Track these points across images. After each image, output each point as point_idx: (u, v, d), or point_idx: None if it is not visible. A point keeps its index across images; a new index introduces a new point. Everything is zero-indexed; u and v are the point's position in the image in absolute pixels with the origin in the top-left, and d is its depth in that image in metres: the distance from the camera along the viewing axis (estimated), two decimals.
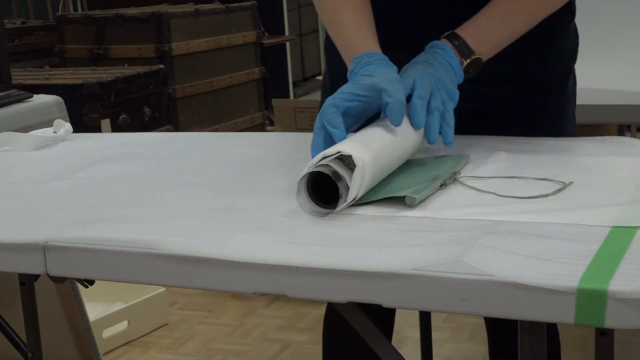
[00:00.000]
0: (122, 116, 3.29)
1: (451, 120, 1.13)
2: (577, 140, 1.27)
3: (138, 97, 3.40)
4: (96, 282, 1.04)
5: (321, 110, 1.09)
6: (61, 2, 5.81)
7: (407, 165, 1.12)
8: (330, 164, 0.97)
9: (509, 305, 0.78)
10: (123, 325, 2.64)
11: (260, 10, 4.58)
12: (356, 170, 0.97)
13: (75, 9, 5.90)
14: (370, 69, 1.13)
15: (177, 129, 3.84)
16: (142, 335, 2.69)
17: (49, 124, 1.55)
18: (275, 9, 6.07)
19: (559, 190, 1.01)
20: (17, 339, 1.85)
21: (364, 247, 0.88)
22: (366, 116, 1.13)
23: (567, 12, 1.33)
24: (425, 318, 1.66)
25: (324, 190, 0.98)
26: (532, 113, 1.34)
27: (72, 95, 3.09)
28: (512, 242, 0.86)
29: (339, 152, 0.98)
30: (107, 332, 2.59)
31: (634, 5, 2.33)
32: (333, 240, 0.90)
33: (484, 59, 1.19)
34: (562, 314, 0.76)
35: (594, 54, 2.21)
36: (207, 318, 2.81)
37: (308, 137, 1.36)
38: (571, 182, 1.03)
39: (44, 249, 0.96)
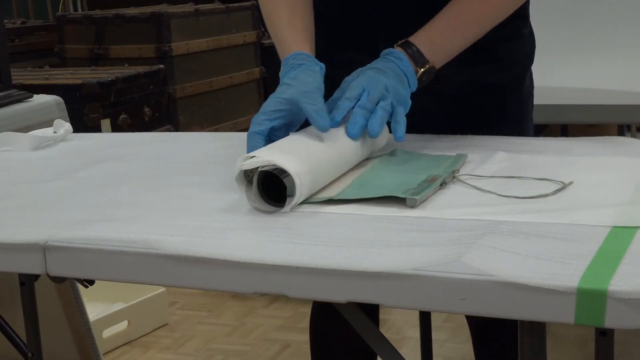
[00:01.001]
0: (122, 116, 3.29)
1: (402, 119, 1.13)
2: (577, 140, 1.27)
3: (138, 97, 3.40)
4: (96, 282, 1.04)
5: (247, 136, 1.12)
6: (61, 2, 5.81)
7: (405, 164, 1.12)
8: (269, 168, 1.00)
9: (509, 305, 0.78)
10: (123, 325, 2.64)
11: (260, 10, 4.58)
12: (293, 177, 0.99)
13: (75, 9, 5.90)
14: (292, 75, 1.15)
15: (177, 129, 3.84)
16: (142, 335, 2.69)
17: (49, 124, 1.55)
18: None
19: (558, 190, 1.01)
20: (17, 339, 1.85)
21: (364, 247, 0.88)
22: (296, 126, 1.16)
23: (519, 17, 1.36)
24: (425, 318, 1.66)
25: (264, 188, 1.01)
26: (490, 114, 1.37)
27: (72, 95, 3.09)
28: (512, 242, 0.86)
29: (272, 165, 0.99)
30: (107, 332, 2.59)
31: (634, 5, 2.32)
32: (333, 240, 0.90)
33: (437, 67, 1.21)
34: (562, 314, 0.76)
35: (594, 54, 2.21)
36: (207, 318, 2.81)
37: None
38: (571, 182, 1.03)
39: (44, 249, 0.96)
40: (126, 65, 3.79)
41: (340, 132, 1.12)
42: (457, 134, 1.32)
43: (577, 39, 2.29)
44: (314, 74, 1.15)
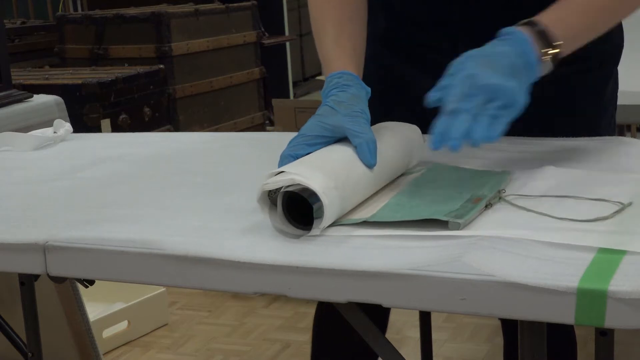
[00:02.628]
0: (122, 116, 3.29)
1: (503, 126, 0.97)
2: (577, 140, 1.27)
3: (138, 97, 3.40)
4: (96, 282, 1.04)
5: (280, 157, 1.03)
6: (61, 2, 5.81)
7: (445, 181, 1.04)
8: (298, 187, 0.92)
9: (509, 305, 0.78)
10: (123, 325, 2.64)
11: (260, 10, 4.58)
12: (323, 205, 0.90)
13: (75, 9, 5.90)
14: (337, 98, 1.07)
15: (177, 129, 3.84)
16: (142, 335, 2.69)
17: (49, 124, 1.55)
18: (275, 9, 6.07)
19: (617, 212, 0.92)
20: (17, 339, 1.85)
21: (364, 247, 0.88)
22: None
23: None
24: (425, 318, 1.66)
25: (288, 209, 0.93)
26: (571, 116, 1.29)
27: (72, 95, 3.09)
28: (512, 242, 0.86)
29: (301, 186, 0.91)
30: (107, 332, 2.59)
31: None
32: (333, 240, 0.90)
33: (564, 54, 1.05)
34: (562, 314, 0.76)
35: None
36: (207, 318, 2.81)
37: None
38: (630, 203, 0.94)
39: (44, 249, 0.96)
40: (126, 65, 3.79)
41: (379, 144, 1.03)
42: (531, 132, 1.23)
43: None
44: (361, 99, 1.08)
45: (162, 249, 0.91)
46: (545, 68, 1.04)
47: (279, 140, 1.35)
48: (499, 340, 2.49)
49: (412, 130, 1.13)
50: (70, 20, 4.22)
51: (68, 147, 1.46)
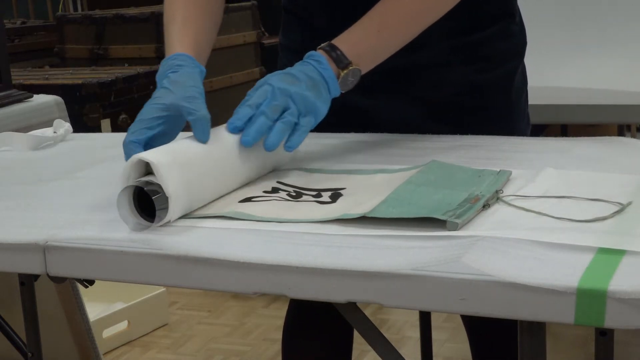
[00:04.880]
0: (122, 116, 3.29)
1: (302, 130, 1.09)
2: (577, 140, 1.27)
3: (138, 97, 3.40)
4: (96, 282, 1.04)
5: (123, 144, 1.06)
6: (61, 2, 5.81)
7: (444, 179, 1.05)
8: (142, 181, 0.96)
9: (509, 305, 0.78)
10: (123, 325, 2.65)
11: (260, 10, 4.58)
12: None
13: (75, 9, 5.90)
14: (171, 78, 1.10)
15: None
16: (142, 335, 2.69)
17: (49, 124, 1.55)
18: (275, 9, 6.07)
19: (617, 213, 0.92)
20: (17, 339, 1.85)
21: (364, 247, 0.88)
22: (177, 134, 1.11)
23: (505, 15, 1.36)
24: (425, 318, 1.66)
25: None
26: (478, 114, 1.36)
27: (72, 95, 3.09)
28: (512, 242, 0.86)
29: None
30: (107, 332, 2.59)
31: (634, 4, 2.33)
32: (333, 240, 0.90)
33: (363, 70, 1.16)
34: (562, 314, 0.76)
35: (594, 54, 2.21)
36: (207, 318, 2.81)
37: (308, 137, 1.36)
38: (630, 203, 0.94)
39: (44, 249, 0.96)
40: (126, 65, 3.78)
41: (233, 138, 1.07)
42: (438, 134, 1.31)
43: (577, 38, 2.29)
44: (194, 77, 1.11)
45: (162, 249, 0.91)
46: (347, 84, 1.15)
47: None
48: None
49: None
50: (70, 20, 4.22)
51: (68, 147, 1.46)
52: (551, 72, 2.17)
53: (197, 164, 1.02)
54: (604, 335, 0.94)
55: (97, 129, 3.15)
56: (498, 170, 1.07)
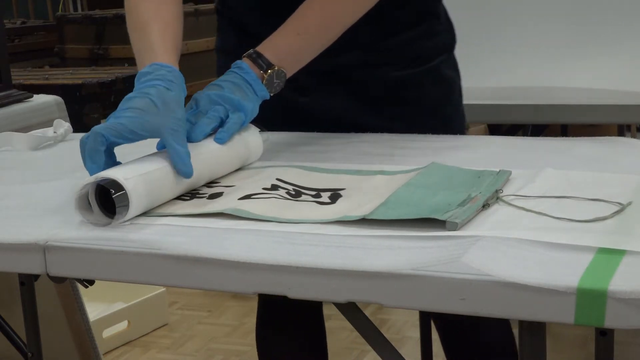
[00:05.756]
0: None
1: (232, 125, 1.13)
2: (577, 140, 1.27)
3: None
4: (96, 282, 1.04)
5: (91, 134, 1.05)
6: (61, 2, 5.81)
7: (443, 180, 1.05)
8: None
9: (509, 305, 0.78)
10: (123, 325, 2.65)
11: None
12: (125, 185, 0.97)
13: (75, 9, 5.90)
14: (161, 95, 1.09)
15: None
16: (142, 335, 2.70)
17: (49, 124, 1.55)
18: None
19: (617, 213, 0.92)
20: (17, 339, 1.85)
21: (364, 247, 0.88)
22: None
23: (429, 15, 1.40)
24: (425, 318, 1.66)
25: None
26: (409, 109, 1.40)
27: (72, 95, 3.09)
28: (512, 242, 0.86)
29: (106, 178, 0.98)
30: (107, 332, 2.59)
31: (634, 4, 2.32)
32: (333, 240, 0.90)
33: (288, 71, 1.21)
34: (562, 314, 0.76)
35: (594, 54, 2.21)
36: (207, 318, 2.81)
37: (307, 136, 1.36)
38: (630, 203, 0.94)
39: (44, 249, 0.96)
40: (126, 65, 3.79)
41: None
42: (376, 130, 1.35)
43: (577, 39, 2.29)
44: (181, 103, 1.12)
45: (162, 249, 0.91)
46: (273, 85, 1.20)
47: (278, 139, 1.35)
48: None
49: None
50: (70, 20, 4.22)
51: (68, 147, 1.46)
52: (551, 72, 2.16)
53: (154, 166, 1.03)
54: (604, 335, 0.94)
55: None
56: (498, 170, 1.07)
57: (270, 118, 1.29)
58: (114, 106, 3.40)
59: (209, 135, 1.13)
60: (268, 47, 1.21)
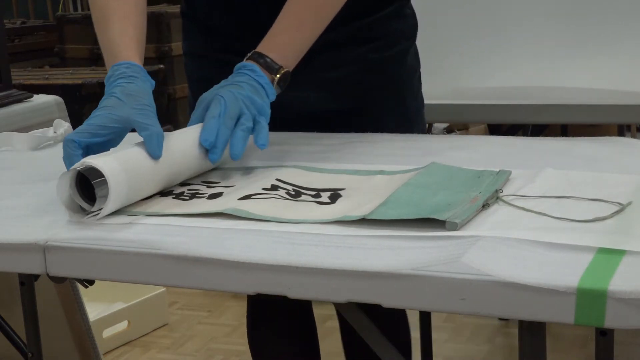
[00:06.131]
0: None
1: (263, 130, 1.14)
2: (577, 140, 1.27)
3: None
4: (96, 282, 1.04)
5: (64, 142, 1.07)
6: (61, 2, 5.81)
7: (443, 180, 1.05)
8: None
9: (509, 305, 0.78)
10: (123, 325, 2.65)
11: None
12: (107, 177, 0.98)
13: (75, 9, 5.90)
14: (124, 89, 1.12)
15: (177, 128, 3.84)
16: (142, 335, 2.69)
17: (49, 124, 1.55)
18: None
19: (617, 213, 0.92)
20: (17, 339, 1.85)
21: (364, 247, 0.88)
22: (118, 143, 1.12)
23: None
24: (425, 318, 1.66)
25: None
26: (373, 91, 1.41)
27: (72, 95, 3.09)
28: (512, 242, 0.86)
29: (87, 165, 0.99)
30: (107, 332, 2.59)
31: (634, 4, 2.33)
32: (333, 240, 0.90)
33: (291, 70, 1.22)
34: (562, 314, 0.76)
35: (594, 54, 2.21)
36: (207, 318, 2.81)
37: (307, 136, 1.36)
38: (630, 203, 0.95)
39: (44, 249, 0.96)
40: None
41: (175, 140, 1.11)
42: (341, 114, 1.37)
43: (577, 39, 2.29)
44: (147, 91, 1.13)
45: (162, 249, 0.91)
46: (280, 87, 1.21)
47: (278, 139, 1.35)
48: (499, 340, 2.50)
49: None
50: (70, 20, 4.22)
51: None
52: (551, 72, 2.17)
53: (137, 161, 1.04)
54: (604, 335, 0.94)
55: None
56: (497, 170, 1.07)
57: None
58: None
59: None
60: (272, 48, 1.21)
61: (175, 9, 4.28)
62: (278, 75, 1.19)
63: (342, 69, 1.39)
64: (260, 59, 1.20)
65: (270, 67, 1.19)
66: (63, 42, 4.18)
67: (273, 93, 1.19)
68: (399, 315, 1.52)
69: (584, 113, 2.03)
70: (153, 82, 1.17)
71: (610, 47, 2.22)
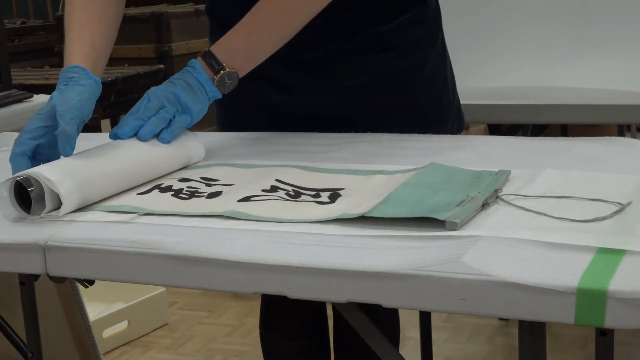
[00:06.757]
0: (122, 116, 3.29)
1: (175, 127, 1.19)
2: (577, 140, 1.27)
3: (138, 97, 3.38)
4: (96, 282, 1.04)
5: (10, 158, 1.12)
6: (61, 2, 5.80)
7: (443, 180, 1.05)
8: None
9: (509, 305, 0.78)
10: (123, 325, 2.65)
11: None
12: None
13: None
14: (60, 89, 1.16)
15: None
16: (142, 335, 2.70)
17: None
18: None
19: (617, 213, 0.92)
20: (17, 339, 1.85)
21: (364, 247, 0.88)
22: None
23: (417, 3, 1.40)
24: (425, 318, 1.66)
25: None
26: (391, 100, 1.40)
27: None
28: (512, 242, 0.86)
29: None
30: (107, 332, 2.59)
31: (634, 4, 2.33)
32: (333, 240, 0.90)
33: (241, 70, 1.25)
34: (562, 314, 0.76)
35: (594, 54, 2.21)
36: (207, 318, 2.81)
37: (307, 136, 1.36)
38: (630, 203, 0.94)
39: (44, 249, 0.96)
40: (126, 65, 3.78)
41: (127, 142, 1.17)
42: (359, 124, 1.36)
43: (577, 39, 2.29)
44: (80, 88, 1.16)
45: (162, 249, 0.91)
46: (225, 85, 1.23)
47: (278, 139, 1.35)
48: (499, 340, 2.50)
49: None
50: None
51: None
52: (551, 72, 2.16)
53: (84, 161, 1.09)
54: (604, 335, 0.94)
55: (97, 129, 3.15)
56: (497, 170, 1.07)
57: (256, 122, 1.33)
58: (114, 106, 3.42)
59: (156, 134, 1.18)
60: (219, 47, 1.24)
61: (176, 9, 4.28)
62: (220, 73, 1.22)
63: (358, 77, 1.38)
64: (207, 57, 1.23)
65: (212, 66, 1.22)
66: (63, 42, 4.18)
67: (213, 90, 1.22)
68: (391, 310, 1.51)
69: (584, 113, 2.03)
70: (97, 79, 1.20)
71: (610, 47, 2.22)
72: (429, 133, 1.35)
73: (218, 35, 1.47)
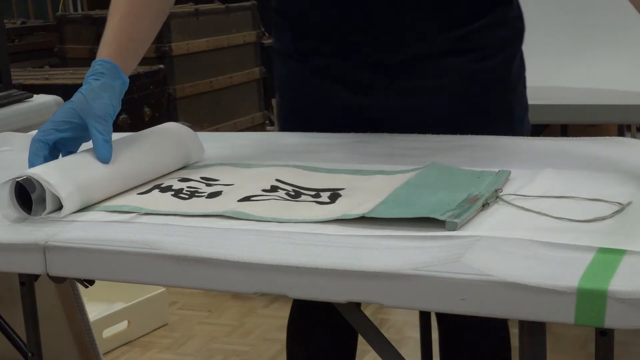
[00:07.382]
0: (122, 116, 3.29)
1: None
2: (577, 141, 1.27)
3: (138, 97, 3.40)
4: (96, 282, 1.04)
5: (31, 142, 1.11)
6: (61, 2, 5.81)
7: (443, 180, 1.05)
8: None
9: (509, 305, 0.78)
10: (123, 325, 2.65)
11: (260, 10, 4.58)
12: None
13: (75, 9, 5.90)
14: (91, 86, 1.15)
15: None
16: (142, 335, 2.70)
17: None
18: None
19: (617, 212, 0.92)
20: (17, 339, 1.85)
21: (364, 247, 0.88)
22: (86, 139, 1.15)
23: (500, 3, 1.38)
24: (425, 318, 1.66)
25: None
26: (477, 102, 1.38)
27: (72, 95, 3.08)
28: (512, 242, 0.86)
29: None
30: (107, 332, 2.59)
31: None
32: (333, 240, 0.90)
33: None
34: (562, 314, 0.76)
35: (594, 54, 2.21)
36: (207, 318, 2.81)
37: (307, 136, 1.36)
38: (630, 203, 0.94)
39: (44, 249, 0.96)
40: None
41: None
42: (442, 125, 1.33)
43: (577, 39, 2.29)
44: (111, 91, 1.15)
45: (162, 249, 0.91)
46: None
47: (278, 139, 1.35)
48: None
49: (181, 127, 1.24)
50: (70, 20, 4.22)
51: None
52: (551, 72, 2.17)
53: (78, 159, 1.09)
54: (604, 335, 0.94)
55: None
56: (497, 170, 1.07)
57: (331, 124, 1.32)
58: None
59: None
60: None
61: (176, 9, 4.27)
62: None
63: (443, 78, 1.35)
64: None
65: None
66: (63, 42, 4.18)
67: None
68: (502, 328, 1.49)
69: (584, 113, 2.03)
70: (126, 79, 1.19)
71: (610, 47, 2.22)
72: (516, 134, 1.35)
73: (284, 33, 1.45)
